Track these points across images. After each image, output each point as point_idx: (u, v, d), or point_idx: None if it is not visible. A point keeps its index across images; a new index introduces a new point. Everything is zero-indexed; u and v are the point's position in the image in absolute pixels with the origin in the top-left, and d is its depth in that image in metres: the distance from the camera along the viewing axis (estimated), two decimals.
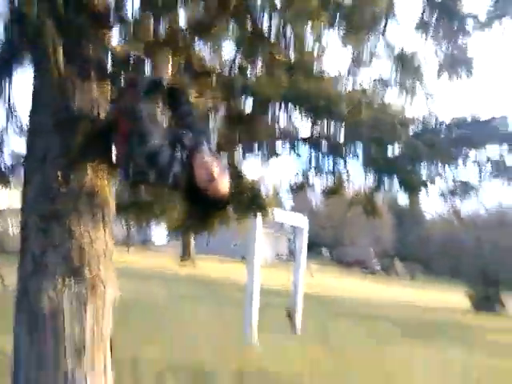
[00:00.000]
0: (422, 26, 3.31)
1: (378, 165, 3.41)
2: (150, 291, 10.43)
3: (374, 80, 3.22)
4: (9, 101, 3.56)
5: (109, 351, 2.35)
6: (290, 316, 8.04)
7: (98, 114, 2.34)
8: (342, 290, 19.51)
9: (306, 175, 4.10)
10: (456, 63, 3.38)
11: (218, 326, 7.99)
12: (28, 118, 2.45)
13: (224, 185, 1.97)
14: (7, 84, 3.40)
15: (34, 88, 2.40)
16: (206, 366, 5.39)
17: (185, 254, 23.37)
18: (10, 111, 3.59)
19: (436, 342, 9.28)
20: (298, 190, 4.30)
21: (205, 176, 1.93)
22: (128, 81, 2.36)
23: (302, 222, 8.46)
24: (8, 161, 3.57)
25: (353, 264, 44.16)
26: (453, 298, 19.91)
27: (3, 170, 3.33)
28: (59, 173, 2.20)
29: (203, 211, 2.06)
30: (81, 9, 2.25)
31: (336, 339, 8.18)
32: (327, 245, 48.85)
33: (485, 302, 17.59)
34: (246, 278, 6.89)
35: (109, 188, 2.41)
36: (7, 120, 3.61)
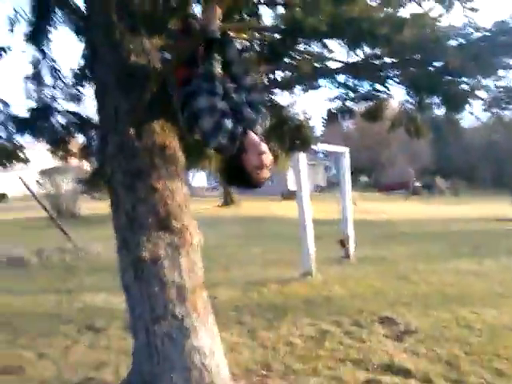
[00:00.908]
0: None
1: (422, 84, 3.34)
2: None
3: None
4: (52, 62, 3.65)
5: (205, 292, 2.61)
6: (343, 243, 8.29)
7: (154, 66, 2.42)
8: (386, 214, 19.67)
9: (343, 102, 4.13)
10: None
11: (276, 261, 8.44)
12: (90, 77, 2.53)
13: (267, 174, 1.97)
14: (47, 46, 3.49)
15: (91, 49, 2.48)
16: (275, 300, 5.76)
17: (227, 199, 23.88)
18: (57, 75, 3.72)
19: (486, 253, 9.36)
20: (335, 117, 4.33)
21: (256, 162, 1.91)
22: (181, 27, 2.38)
23: (341, 147, 8.58)
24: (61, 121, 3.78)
25: (393, 187, 43.88)
26: (500, 208, 19.69)
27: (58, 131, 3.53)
28: (132, 130, 2.34)
29: (237, 185, 2.08)
30: None
31: (390, 260, 8.48)
32: (364, 170, 48.40)
33: None
34: (298, 211, 7.13)
35: (176, 142, 2.55)
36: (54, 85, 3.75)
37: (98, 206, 18.19)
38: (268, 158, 1.94)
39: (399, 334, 4.36)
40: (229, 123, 1.91)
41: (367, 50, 2.63)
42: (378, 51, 2.70)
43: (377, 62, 2.87)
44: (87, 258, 9.19)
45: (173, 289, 2.45)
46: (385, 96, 3.91)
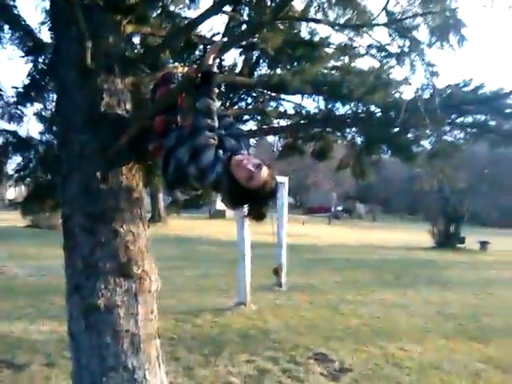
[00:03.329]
0: None
1: (377, 136, 3.53)
2: None
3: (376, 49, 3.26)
4: None
5: (158, 340, 2.48)
6: (277, 272, 8.38)
7: (125, 108, 2.34)
8: (311, 238, 20.27)
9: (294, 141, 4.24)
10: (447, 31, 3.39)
11: (209, 288, 8.33)
12: (54, 112, 2.40)
13: (262, 177, 1.93)
14: None
15: (59, 81, 2.35)
16: (210, 332, 5.66)
17: (154, 215, 23.20)
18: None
19: (408, 283, 9.96)
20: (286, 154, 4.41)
21: (244, 174, 1.90)
22: (162, 77, 2.32)
23: (280, 177, 8.70)
24: None
25: (316, 210, 45.53)
26: (415, 236, 21.09)
27: None
28: (98, 172, 2.21)
29: (250, 205, 2.04)
30: None
31: (320, 289, 8.71)
32: (290, 191, 49.63)
33: (446, 238, 18.81)
34: (236, 237, 7.14)
35: (141, 184, 2.45)
36: None
37: (11, 217, 16.96)
38: (251, 161, 1.93)
39: (335, 372, 4.45)
40: (221, 153, 1.99)
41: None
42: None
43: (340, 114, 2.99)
44: (3, 279, 8.45)
45: (126, 338, 2.31)
46: (333, 138, 4.09)
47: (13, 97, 3.46)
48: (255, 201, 1.98)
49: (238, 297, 7.02)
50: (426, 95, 3.49)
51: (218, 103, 2.05)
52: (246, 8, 2.74)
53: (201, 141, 1.96)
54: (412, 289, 9.09)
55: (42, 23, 3.06)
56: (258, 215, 2.01)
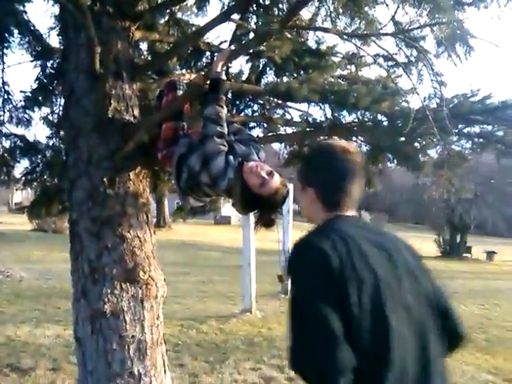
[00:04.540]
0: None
1: (384, 145, 3.51)
2: None
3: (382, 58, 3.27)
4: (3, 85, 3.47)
5: (164, 346, 2.48)
6: (282, 279, 8.35)
7: (133, 114, 2.35)
8: None
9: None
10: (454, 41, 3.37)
11: (214, 294, 8.32)
12: (62, 116, 2.43)
13: (274, 185, 1.93)
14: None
15: (68, 86, 2.37)
16: (215, 339, 5.63)
17: (160, 220, 23.27)
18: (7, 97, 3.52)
19: None
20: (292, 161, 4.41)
21: (257, 181, 1.89)
22: (167, 84, 2.34)
23: None
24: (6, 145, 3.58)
25: None
26: (422, 245, 20.97)
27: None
28: (105, 177, 2.22)
29: (265, 213, 2.04)
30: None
31: None
32: (295, 197, 49.60)
33: (452, 247, 18.73)
34: (242, 244, 7.14)
35: (148, 190, 2.46)
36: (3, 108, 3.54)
37: (17, 220, 17.01)
38: (263, 168, 1.93)
39: None
40: (232, 159, 2.00)
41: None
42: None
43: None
44: (9, 282, 8.48)
45: (132, 344, 2.31)
46: None
47: (21, 101, 3.51)
48: (266, 207, 1.98)
49: (243, 304, 6.99)
50: (433, 104, 3.49)
51: (225, 110, 2.05)
52: (254, 16, 2.77)
53: (211, 148, 1.98)
54: None
55: (51, 28, 3.11)
56: (267, 222, 2.00)
